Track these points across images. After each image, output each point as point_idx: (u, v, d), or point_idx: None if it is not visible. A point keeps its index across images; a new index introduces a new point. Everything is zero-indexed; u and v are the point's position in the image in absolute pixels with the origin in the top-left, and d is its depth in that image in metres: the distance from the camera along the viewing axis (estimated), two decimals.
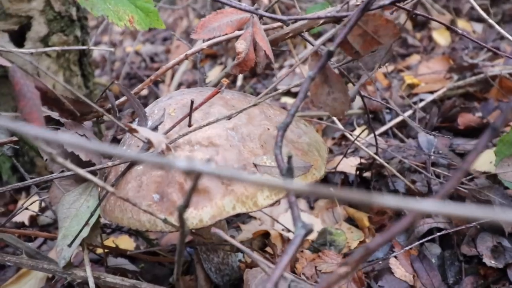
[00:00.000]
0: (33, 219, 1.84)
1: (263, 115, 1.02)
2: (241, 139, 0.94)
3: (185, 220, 0.86)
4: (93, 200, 1.05)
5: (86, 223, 0.97)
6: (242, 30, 1.06)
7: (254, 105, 0.96)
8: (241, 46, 1.02)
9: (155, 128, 0.96)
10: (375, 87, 2.15)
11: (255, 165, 0.90)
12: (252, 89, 2.65)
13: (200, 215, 0.87)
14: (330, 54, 0.78)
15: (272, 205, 0.91)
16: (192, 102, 0.91)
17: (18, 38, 1.82)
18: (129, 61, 2.97)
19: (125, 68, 3.05)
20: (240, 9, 0.92)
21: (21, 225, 1.87)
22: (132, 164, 0.95)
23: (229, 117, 0.92)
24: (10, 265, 1.24)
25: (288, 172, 0.76)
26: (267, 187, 0.88)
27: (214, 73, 2.93)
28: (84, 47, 1.49)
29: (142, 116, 1.02)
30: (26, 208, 1.30)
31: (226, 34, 1.02)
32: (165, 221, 0.81)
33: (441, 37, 2.52)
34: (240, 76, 2.61)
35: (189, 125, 0.95)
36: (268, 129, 0.98)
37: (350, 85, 1.40)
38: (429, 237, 1.15)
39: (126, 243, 1.46)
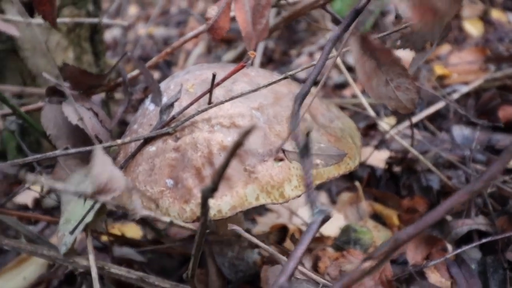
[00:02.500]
0: (37, 202, 1.75)
1: (292, 95, 0.90)
2: (267, 121, 0.83)
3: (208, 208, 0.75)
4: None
5: (91, 208, 0.87)
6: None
7: (281, 79, 0.84)
8: (211, 11, 0.92)
9: (170, 105, 0.85)
10: None
11: (283, 151, 0.79)
12: None
13: (218, 205, 0.76)
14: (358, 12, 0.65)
15: (299, 196, 0.80)
16: (214, 77, 0.79)
17: (29, 9, 1.71)
18: (141, 44, 2.86)
19: (137, 51, 2.94)
20: None
21: (24, 207, 1.78)
22: (144, 143, 0.84)
23: (254, 91, 0.81)
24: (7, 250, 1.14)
25: (304, 150, 0.64)
26: (295, 175, 0.77)
27: (228, 57, 2.82)
28: (95, 20, 1.37)
29: (156, 92, 0.91)
30: (29, 188, 1.20)
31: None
32: (171, 223, 0.71)
33: (473, 28, 2.37)
34: (257, 62, 2.49)
35: (209, 103, 0.83)
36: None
37: None
38: (472, 244, 1.03)
39: (132, 231, 1.36)
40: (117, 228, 1.29)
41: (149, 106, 0.92)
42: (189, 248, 1.15)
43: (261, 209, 1.38)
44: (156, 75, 2.90)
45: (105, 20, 1.50)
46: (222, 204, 0.76)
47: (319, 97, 0.99)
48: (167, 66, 2.88)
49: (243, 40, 0.99)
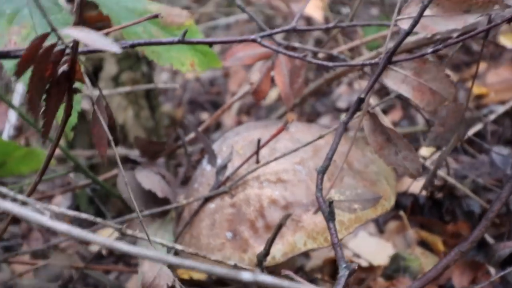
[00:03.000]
0: (110, 250, 1.94)
1: (328, 147, 1.02)
2: (309, 173, 0.95)
3: (263, 264, 0.88)
4: (168, 235, 1.10)
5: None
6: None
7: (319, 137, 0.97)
8: (253, 77, 1.07)
9: (224, 166, 0.99)
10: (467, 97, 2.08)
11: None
12: (311, 107, 2.65)
13: (272, 252, 0.88)
14: (360, 101, 0.79)
15: (342, 240, 0.91)
16: (259, 141, 0.93)
17: (92, 78, 1.95)
18: (189, 88, 3.08)
19: (186, 95, 3.16)
20: (265, 46, 0.94)
21: (99, 255, 1.97)
22: (204, 201, 0.99)
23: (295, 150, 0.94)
24: None
25: (330, 215, 0.76)
26: (336, 221, 0.88)
27: (273, 94, 2.97)
28: (151, 85, 1.56)
29: (211, 154, 1.06)
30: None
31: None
32: (235, 266, 0.84)
33: (508, 41, 2.39)
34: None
35: (257, 162, 0.97)
36: (335, 160, 0.98)
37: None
38: None
39: (199, 274, 1.50)
40: (185, 272, 1.44)
41: (206, 167, 1.07)
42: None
43: None
44: (205, 115, 3.10)
45: (160, 85, 1.69)
46: (275, 251, 0.88)
47: (355, 144, 1.10)
48: (215, 107, 3.07)
49: (283, 99, 1.13)
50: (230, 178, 0.98)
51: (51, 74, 0.70)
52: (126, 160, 1.20)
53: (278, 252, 0.88)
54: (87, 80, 1.07)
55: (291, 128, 1.06)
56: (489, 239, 1.22)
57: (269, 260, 0.89)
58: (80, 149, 1.95)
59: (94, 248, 2.01)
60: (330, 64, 0.97)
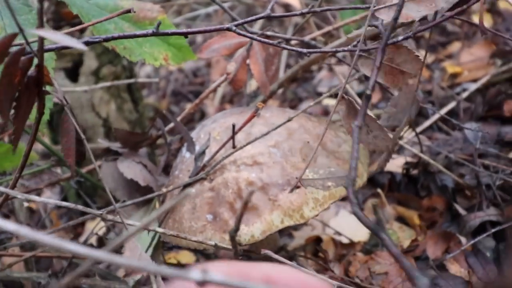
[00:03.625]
0: (100, 240, 1.97)
1: (302, 129, 1.06)
2: (283, 155, 1.00)
3: (238, 238, 0.92)
4: (154, 223, 1.14)
5: (150, 245, 1.06)
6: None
7: (289, 120, 1.01)
8: (230, 67, 1.11)
9: (202, 153, 1.03)
10: (416, 80, 2.14)
11: (298, 179, 0.95)
12: (293, 93, 2.69)
13: (251, 231, 0.93)
14: (368, 98, 0.83)
15: (318, 214, 0.95)
16: (233, 127, 0.97)
17: (72, 73, 1.97)
18: (173, 79, 3.09)
19: (170, 86, 3.18)
20: (239, 34, 0.97)
21: (90, 246, 2.01)
22: (184, 188, 1.03)
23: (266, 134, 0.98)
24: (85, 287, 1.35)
25: (378, 225, 0.80)
26: (311, 199, 0.93)
27: (254, 82, 3.00)
28: (131, 80, 1.59)
29: (190, 141, 1.09)
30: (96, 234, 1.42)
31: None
32: (216, 246, 0.88)
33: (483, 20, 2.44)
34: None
35: (233, 147, 1.01)
36: (308, 142, 1.03)
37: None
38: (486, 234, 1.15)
39: (186, 257, 1.54)
40: (172, 257, 1.48)
41: (185, 154, 1.10)
42: None
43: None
44: (189, 106, 3.11)
45: (140, 79, 1.72)
46: (254, 230, 0.93)
47: (328, 125, 1.14)
48: (197, 97, 3.09)
49: (260, 88, 1.17)
50: (208, 163, 1.01)
51: (20, 81, 0.73)
52: (108, 151, 1.24)
53: (257, 230, 0.93)
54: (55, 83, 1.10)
55: (266, 113, 1.10)
56: (461, 211, 1.28)
57: (248, 239, 0.93)
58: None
59: (83, 239, 2.05)
60: (304, 50, 1.01)
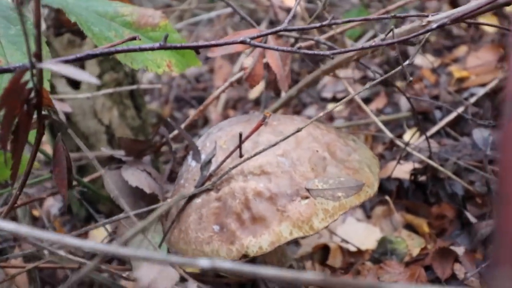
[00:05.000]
0: None
1: (311, 137, 1.04)
2: (292, 165, 0.97)
3: (246, 250, 0.90)
4: (158, 236, 1.12)
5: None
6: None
7: (299, 130, 0.98)
8: (247, 62, 1.08)
9: (208, 161, 1.01)
10: (422, 84, 2.12)
11: (308, 190, 0.93)
12: (297, 99, 2.67)
13: (259, 242, 0.90)
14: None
15: (327, 227, 0.93)
16: (240, 136, 0.95)
17: (74, 80, 1.95)
18: (175, 85, 3.08)
19: (172, 92, 3.16)
20: (256, 46, 0.95)
21: (92, 255, 1.99)
22: (191, 198, 1.00)
23: (277, 142, 0.95)
24: None
25: None
26: (321, 210, 0.90)
27: (257, 88, 2.98)
28: (134, 87, 1.57)
29: (195, 150, 1.07)
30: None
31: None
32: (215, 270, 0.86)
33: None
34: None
35: (240, 156, 0.99)
36: (317, 151, 1.01)
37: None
38: None
39: (192, 268, 1.52)
40: (177, 266, 1.46)
41: (191, 163, 1.08)
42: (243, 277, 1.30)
43: None
44: (192, 112, 3.10)
45: (143, 86, 1.71)
46: (262, 241, 0.90)
47: (336, 132, 1.12)
48: (200, 102, 3.07)
49: (278, 82, 1.14)
50: (214, 173, 0.99)
51: (20, 111, 0.71)
52: (111, 159, 1.21)
53: (265, 242, 0.90)
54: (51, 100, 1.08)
55: (273, 121, 1.08)
56: (472, 219, 1.25)
57: (256, 251, 0.91)
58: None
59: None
60: (328, 53, 0.98)
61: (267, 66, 1.16)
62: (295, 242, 1.50)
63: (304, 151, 1.00)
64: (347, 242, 1.38)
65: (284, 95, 1.35)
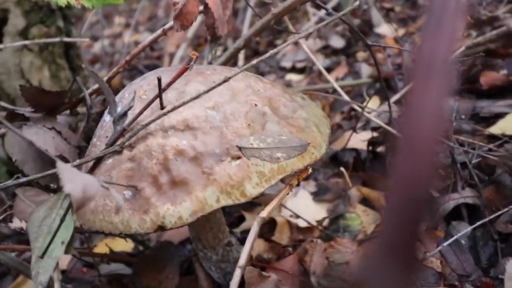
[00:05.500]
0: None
1: (250, 90, 0.87)
2: (224, 119, 0.80)
3: (162, 221, 0.73)
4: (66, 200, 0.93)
5: (62, 243, 0.84)
6: None
7: (227, 79, 0.81)
8: None
9: (124, 114, 0.82)
10: (385, 53, 1.98)
11: (240, 148, 0.76)
12: (255, 68, 2.49)
13: (178, 211, 0.73)
14: None
15: (263, 193, 0.77)
16: (159, 81, 0.76)
17: None
18: (125, 52, 2.85)
19: (122, 59, 2.92)
20: None
21: (20, 230, 1.78)
22: (100, 158, 0.82)
23: (205, 93, 0.77)
24: None
25: None
26: (255, 172, 0.74)
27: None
28: (56, 39, 1.36)
29: (112, 102, 0.88)
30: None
31: None
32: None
33: None
34: (241, 56, 2.46)
35: (161, 108, 0.81)
36: (256, 105, 0.84)
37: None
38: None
39: (122, 245, 1.34)
40: (105, 244, 1.27)
41: (105, 117, 0.89)
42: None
43: (248, 204, 1.35)
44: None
45: (65, 39, 1.49)
46: (182, 210, 0.73)
47: (283, 87, 0.95)
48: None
49: (216, 23, 0.95)
50: (129, 127, 0.81)
51: None
52: (15, 116, 1.01)
53: (186, 211, 0.73)
54: None
55: (206, 71, 0.90)
56: (433, 193, 1.12)
57: (174, 221, 0.74)
58: None
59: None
60: None
61: (204, 7, 0.97)
62: (238, 216, 1.34)
63: (241, 105, 0.83)
64: (297, 216, 1.23)
65: (231, 47, 1.17)
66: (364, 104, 1.56)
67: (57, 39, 1.40)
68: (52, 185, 0.99)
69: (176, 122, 0.79)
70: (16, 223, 1.88)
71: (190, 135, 0.78)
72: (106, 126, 0.87)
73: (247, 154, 0.76)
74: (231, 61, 1.27)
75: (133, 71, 3.16)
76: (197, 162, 0.76)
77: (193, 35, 2.66)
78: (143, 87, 0.87)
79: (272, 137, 0.79)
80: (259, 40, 2.92)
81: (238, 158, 0.75)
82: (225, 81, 0.78)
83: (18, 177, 0.86)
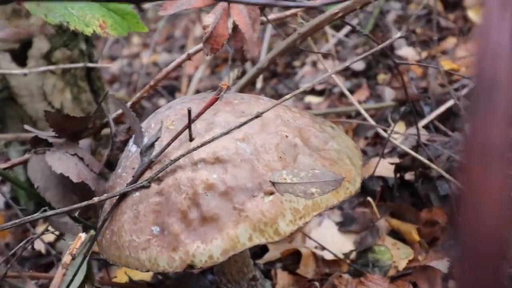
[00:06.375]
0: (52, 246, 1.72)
1: (280, 120, 0.84)
2: (254, 151, 0.77)
3: (192, 260, 0.69)
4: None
5: (75, 275, 0.81)
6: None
7: (260, 114, 0.78)
8: (208, 19, 0.86)
9: (151, 145, 0.80)
10: (408, 76, 1.94)
11: (273, 183, 0.73)
12: (274, 90, 2.47)
13: (209, 250, 0.70)
14: None
15: (297, 230, 0.73)
16: (189, 112, 0.74)
17: (21, 56, 1.71)
18: (143, 72, 2.85)
19: (142, 80, 2.93)
20: None
21: (38, 254, 1.76)
22: (122, 196, 0.79)
23: (238, 127, 0.75)
24: None
25: None
26: (289, 209, 0.71)
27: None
28: (80, 65, 1.36)
29: (138, 132, 0.86)
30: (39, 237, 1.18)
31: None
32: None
33: (477, 16, 2.27)
34: (260, 78, 2.44)
35: (190, 139, 0.78)
36: (287, 136, 0.81)
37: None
38: None
39: (142, 273, 1.30)
40: (124, 272, 1.24)
41: (131, 147, 0.87)
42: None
43: None
44: (161, 101, 2.88)
45: (89, 64, 1.49)
46: (213, 248, 0.70)
47: (311, 116, 0.92)
48: (170, 93, 2.85)
49: (245, 46, 0.92)
50: (157, 159, 0.78)
51: None
52: (39, 141, 0.99)
53: (217, 249, 0.70)
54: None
55: (234, 100, 0.88)
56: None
57: (205, 260, 0.70)
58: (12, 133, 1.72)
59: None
60: (309, 3, 0.77)
61: (233, 30, 0.95)
62: (261, 246, 1.29)
63: (271, 136, 0.80)
64: (323, 248, 1.19)
65: (253, 68, 1.14)
66: (390, 128, 1.52)
67: (80, 64, 1.40)
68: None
69: (206, 155, 0.76)
70: (35, 246, 1.86)
71: (220, 168, 0.75)
72: (132, 156, 0.85)
73: (281, 190, 0.72)
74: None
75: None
76: (228, 197, 0.73)
77: (212, 57, 2.65)
78: (170, 117, 0.85)
79: (305, 170, 0.76)
80: (277, 62, 2.91)
81: (271, 193, 0.72)
82: (257, 116, 0.76)
83: (45, 210, 0.83)
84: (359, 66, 2.33)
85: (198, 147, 0.75)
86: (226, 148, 0.77)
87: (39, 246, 1.78)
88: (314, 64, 2.62)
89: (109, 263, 1.30)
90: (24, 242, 1.13)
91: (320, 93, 2.31)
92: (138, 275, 1.29)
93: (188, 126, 0.76)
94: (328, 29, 2.67)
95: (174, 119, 0.83)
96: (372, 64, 2.31)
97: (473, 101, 0.27)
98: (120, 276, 1.28)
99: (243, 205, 0.72)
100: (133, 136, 0.90)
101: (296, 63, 2.79)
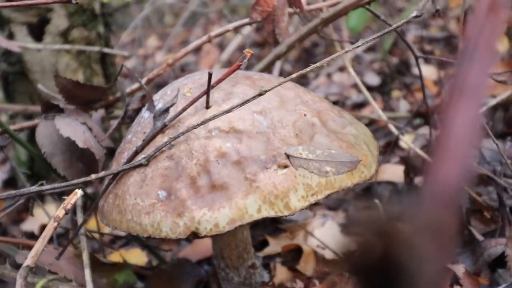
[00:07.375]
0: (43, 228, 1.69)
1: (299, 99, 0.82)
2: (271, 125, 0.75)
3: (196, 227, 0.67)
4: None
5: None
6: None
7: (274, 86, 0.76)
8: None
9: (165, 110, 0.78)
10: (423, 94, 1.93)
11: (288, 156, 0.70)
12: None
13: (215, 218, 0.67)
14: None
15: (307, 207, 0.70)
16: (210, 76, 0.72)
17: (37, 31, 1.70)
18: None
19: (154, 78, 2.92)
20: None
21: (30, 234, 1.73)
22: (136, 152, 0.77)
23: (258, 95, 0.72)
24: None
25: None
26: (302, 184, 0.68)
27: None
28: (96, 48, 1.34)
29: (151, 100, 0.84)
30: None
31: None
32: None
33: (499, 44, 2.27)
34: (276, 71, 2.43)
35: (207, 107, 0.76)
36: (305, 115, 0.79)
37: None
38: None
39: (136, 257, 1.27)
40: (119, 254, 1.21)
41: (144, 113, 0.85)
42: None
43: (272, 228, 1.28)
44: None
45: (106, 50, 1.48)
46: (219, 217, 0.67)
47: (330, 103, 0.91)
48: None
49: (279, 26, 0.91)
50: (169, 124, 0.76)
51: None
52: (50, 107, 0.97)
53: (224, 218, 0.67)
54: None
55: (254, 75, 0.86)
56: (478, 236, 1.04)
57: (210, 228, 0.67)
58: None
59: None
60: None
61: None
62: (262, 240, 1.26)
63: (289, 113, 0.78)
64: (325, 247, 1.15)
65: (270, 54, 1.12)
66: (401, 143, 1.50)
67: (96, 48, 1.39)
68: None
69: (221, 123, 0.74)
70: (27, 227, 1.83)
71: (234, 138, 0.73)
72: (144, 122, 0.83)
73: (295, 164, 0.70)
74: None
75: (161, 88, 3.17)
76: (240, 167, 0.70)
77: (227, 57, 2.65)
78: (187, 85, 0.83)
79: (321, 149, 0.74)
80: (292, 71, 2.91)
81: (285, 167, 0.70)
82: (277, 86, 0.74)
83: (42, 184, 0.81)
84: (374, 81, 2.32)
85: (215, 116, 0.73)
86: (242, 118, 0.75)
87: (32, 227, 1.75)
88: (328, 75, 2.61)
89: (105, 246, 1.27)
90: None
91: (333, 104, 2.29)
92: (132, 258, 1.26)
93: (207, 92, 0.74)
94: (346, 44, 2.67)
95: (192, 87, 0.81)
96: (387, 80, 2.30)
97: (459, 59, 0.33)
98: (116, 259, 1.25)
99: (255, 176, 0.69)
100: (147, 104, 0.88)
101: (311, 74, 2.79)
